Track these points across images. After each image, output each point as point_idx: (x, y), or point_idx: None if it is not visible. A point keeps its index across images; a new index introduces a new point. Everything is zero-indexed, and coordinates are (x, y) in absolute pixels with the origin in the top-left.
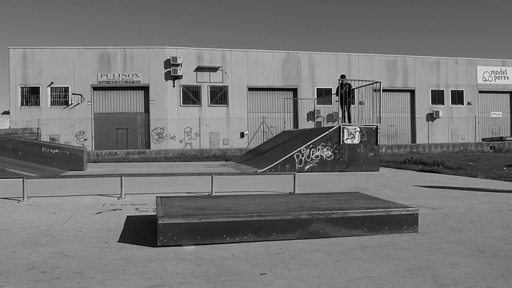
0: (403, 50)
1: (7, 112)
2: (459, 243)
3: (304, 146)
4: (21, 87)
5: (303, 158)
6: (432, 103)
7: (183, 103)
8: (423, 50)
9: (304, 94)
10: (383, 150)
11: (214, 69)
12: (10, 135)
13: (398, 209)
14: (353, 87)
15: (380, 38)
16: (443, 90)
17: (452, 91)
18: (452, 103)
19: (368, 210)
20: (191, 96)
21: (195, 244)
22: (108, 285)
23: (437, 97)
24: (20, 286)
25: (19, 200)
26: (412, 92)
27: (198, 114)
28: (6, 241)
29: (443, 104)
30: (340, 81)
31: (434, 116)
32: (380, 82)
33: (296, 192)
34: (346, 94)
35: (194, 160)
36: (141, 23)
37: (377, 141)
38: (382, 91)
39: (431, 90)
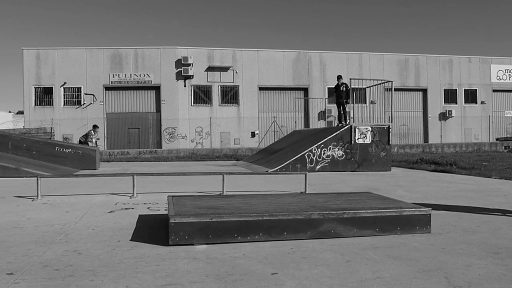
0: (415, 49)
1: (21, 112)
2: (472, 244)
3: (315, 145)
4: (34, 88)
5: (314, 158)
6: (445, 102)
7: (194, 103)
8: (436, 49)
9: (315, 93)
10: (395, 149)
11: (225, 69)
12: (24, 135)
13: (410, 209)
14: (350, 87)
15: (392, 37)
16: (456, 89)
17: (465, 90)
18: (465, 102)
19: (380, 210)
20: (202, 95)
21: (206, 243)
22: (120, 283)
23: (450, 96)
24: (34, 284)
25: (34, 199)
26: (424, 91)
27: (209, 114)
28: (21, 239)
29: (456, 103)
30: (338, 82)
31: (447, 115)
32: (391, 81)
33: (307, 192)
34: (344, 93)
35: (205, 160)
36: (153, 24)
37: (389, 140)
38: (394, 90)
39: (444, 89)
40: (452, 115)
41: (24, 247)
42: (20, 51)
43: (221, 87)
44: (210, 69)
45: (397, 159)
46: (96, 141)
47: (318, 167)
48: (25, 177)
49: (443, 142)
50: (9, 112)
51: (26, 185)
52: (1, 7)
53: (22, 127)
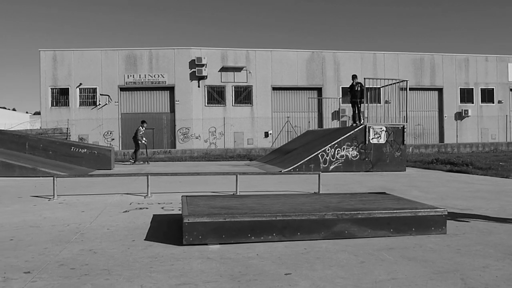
0: (430, 48)
1: (38, 113)
2: (489, 245)
3: (329, 145)
4: (51, 89)
5: (328, 158)
6: (461, 101)
7: (207, 103)
8: (452, 48)
9: (328, 93)
10: (410, 149)
11: (238, 69)
12: (41, 135)
13: (425, 210)
14: (364, 87)
15: (407, 36)
16: (472, 88)
17: (482, 89)
18: (482, 101)
19: (395, 211)
20: (215, 96)
21: (220, 243)
22: (135, 282)
23: (466, 95)
24: (51, 282)
25: (50, 198)
26: (440, 90)
27: (223, 114)
28: (38, 238)
29: (473, 103)
30: (352, 82)
31: (463, 115)
32: (406, 81)
33: (321, 192)
34: (358, 93)
35: (219, 160)
36: (167, 24)
37: (403, 140)
38: (409, 90)
39: (460, 88)
40: (469, 115)
41: (41, 246)
42: (37, 52)
43: (234, 87)
44: (224, 69)
45: (412, 159)
46: (143, 139)
47: (331, 167)
48: (42, 177)
49: (459, 142)
50: (26, 112)
51: (43, 185)
52: (19, 9)
53: (39, 128)
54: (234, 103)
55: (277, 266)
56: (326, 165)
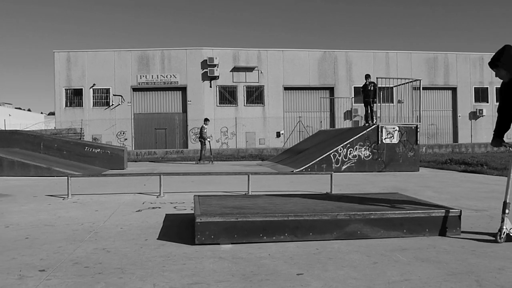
0: (444, 46)
1: (52, 113)
2: (505, 247)
3: (341, 145)
4: (65, 89)
5: (340, 158)
6: (475, 101)
7: (219, 103)
8: (466, 47)
9: (341, 93)
10: (423, 149)
11: (250, 69)
12: (55, 135)
13: (439, 210)
14: (377, 86)
15: (420, 35)
16: (487, 88)
17: (497, 88)
18: (497, 100)
19: (408, 211)
20: (227, 96)
21: (232, 243)
22: (148, 281)
23: (480, 94)
24: (65, 280)
25: (64, 198)
26: (454, 89)
27: (234, 114)
28: (52, 237)
29: (487, 102)
30: (365, 81)
31: (478, 114)
32: (420, 80)
33: (333, 192)
34: (371, 93)
35: (231, 160)
36: (179, 25)
37: (417, 140)
38: (422, 89)
39: (474, 87)
40: (483, 114)
41: (55, 245)
42: (51, 53)
43: (246, 87)
44: (236, 69)
45: (425, 159)
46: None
47: (344, 167)
48: (56, 176)
49: (473, 142)
50: (41, 113)
51: (57, 184)
52: (34, 11)
53: (53, 128)
54: (246, 103)
55: (289, 266)
56: (338, 165)
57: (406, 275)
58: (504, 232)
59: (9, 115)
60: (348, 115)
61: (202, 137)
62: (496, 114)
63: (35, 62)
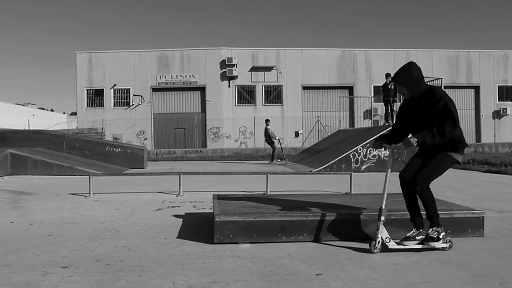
0: (466, 44)
1: (74, 113)
2: None
3: (361, 145)
4: (86, 90)
5: (359, 158)
6: (499, 99)
7: (238, 103)
8: (489, 44)
9: (360, 92)
10: None
11: (268, 69)
12: (77, 135)
13: (461, 211)
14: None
15: (441, 32)
16: (511, 86)
17: None
18: None
19: None
20: (246, 95)
21: (250, 242)
22: (167, 279)
23: (504, 93)
24: (87, 277)
25: (86, 196)
26: (476, 88)
27: (253, 114)
28: (75, 234)
29: None
30: (386, 80)
31: (501, 113)
32: (441, 79)
33: (352, 192)
34: (392, 92)
35: (249, 159)
36: (197, 25)
37: None
38: (444, 88)
39: (498, 86)
40: (507, 113)
41: (78, 242)
42: (73, 55)
43: (264, 87)
44: (254, 69)
45: None
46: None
47: (363, 167)
48: (78, 175)
49: (497, 141)
50: (64, 113)
51: (79, 183)
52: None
53: (75, 128)
54: (264, 102)
55: (308, 266)
56: (358, 165)
57: (427, 277)
58: None
59: (33, 115)
60: (368, 114)
61: (269, 138)
62: None
63: (57, 63)
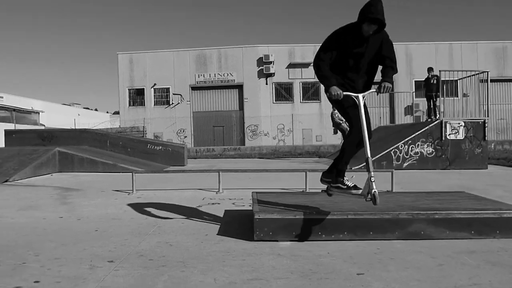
0: None
1: (117, 112)
2: None
3: (402, 142)
4: (128, 89)
5: (401, 155)
6: None
7: (275, 100)
8: None
9: (400, 87)
10: (492, 146)
11: (306, 65)
12: (120, 133)
13: (511, 211)
14: (441, 79)
15: (486, 23)
16: None
17: None
18: None
19: (476, 212)
20: (283, 93)
21: (290, 240)
22: (209, 275)
23: None
24: (132, 271)
25: (129, 193)
26: None
27: (291, 111)
28: (119, 230)
29: None
30: (428, 75)
31: None
32: (487, 72)
33: (394, 191)
34: (434, 86)
35: (287, 157)
36: (234, 23)
37: (484, 136)
38: (490, 82)
39: None
40: None
41: (122, 237)
42: (115, 55)
43: (302, 83)
44: (291, 66)
45: (494, 157)
46: None
47: (405, 164)
48: (122, 172)
49: None
50: (107, 112)
51: (122, 180)
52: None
53: (118, 126)
54: (302, 99)
55: (349, 266)
56: (399, 162)
57: (475, 279)
58: None
59: (78, 114)
60: (409, 110)
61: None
62: None
63: (100, 64)
